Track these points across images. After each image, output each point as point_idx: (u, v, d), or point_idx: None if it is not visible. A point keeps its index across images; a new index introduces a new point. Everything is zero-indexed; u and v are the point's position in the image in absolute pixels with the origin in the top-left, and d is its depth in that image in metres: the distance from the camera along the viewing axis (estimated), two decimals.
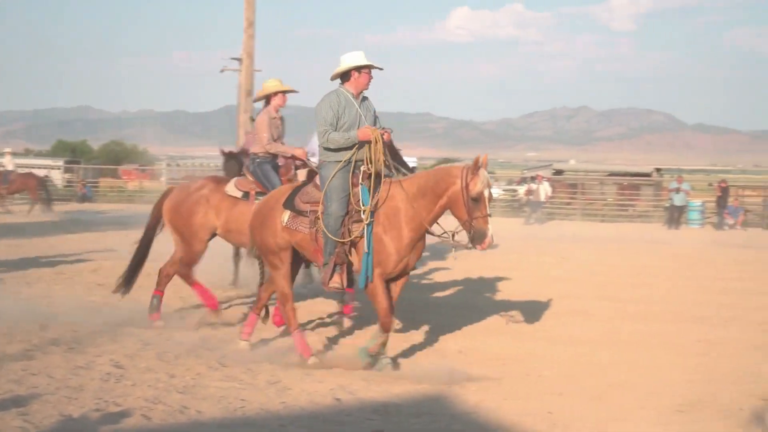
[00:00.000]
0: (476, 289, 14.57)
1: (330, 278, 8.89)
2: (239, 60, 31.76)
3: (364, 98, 9.11)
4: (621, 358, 9.66)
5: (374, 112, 9.16)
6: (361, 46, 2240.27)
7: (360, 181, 8.84)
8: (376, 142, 8.76)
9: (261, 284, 9.89)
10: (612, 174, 48.15)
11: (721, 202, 36.78)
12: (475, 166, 8.52)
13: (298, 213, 9.11)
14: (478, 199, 8.51)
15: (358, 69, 8.95)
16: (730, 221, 36.36)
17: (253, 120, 14.48)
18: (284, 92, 11.21)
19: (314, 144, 13.76)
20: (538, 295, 13.56)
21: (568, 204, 42.51)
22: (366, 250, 8.70)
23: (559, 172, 47.43)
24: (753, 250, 24.22)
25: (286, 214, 9.18)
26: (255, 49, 31.50)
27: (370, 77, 9.05)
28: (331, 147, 8.83)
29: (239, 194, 11.13)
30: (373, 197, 8.79)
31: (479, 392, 8.02)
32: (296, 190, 9.29)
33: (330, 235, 8.78)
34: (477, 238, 8.53)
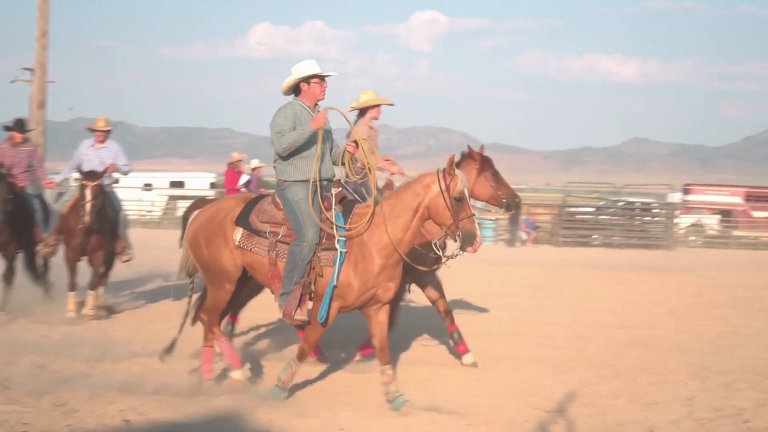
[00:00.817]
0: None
1: (296, 310, 8.23)
2: (31, 70, 30.65)
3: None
4: (411, 375, 9.74)
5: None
6: (158, 58, 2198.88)
7: (333, 204, 8.37)
8: (365, 149, 8.47)
9: (187, 314, 9.28)
10: None
11: (514, 220, 38.02)
12: (450, 167, 8.20)
13: (254, 233, 8.48)
14: (461, 199, 8.17)
15: (306, 80, 8.54)
16: (524, 236, 37.75)
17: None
18: (379, 105, 10.55)
19: (77, 159, 13.38)
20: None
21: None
22: (334, 281, 8.17)
23: None
24: (540, 267, 25.04)
25: (239, 232, 8.52)
26: (48, 59, 30.52)
27: (323, 85, 8.60)
28: (285, 146, 8.25)
29: None
30: (347, 222, 8.33)
31: (272, 410, 7.97)
32: (249, 206, 8.60)
33: (302, 264, 8.18)
34: (467, 240, 8.12)
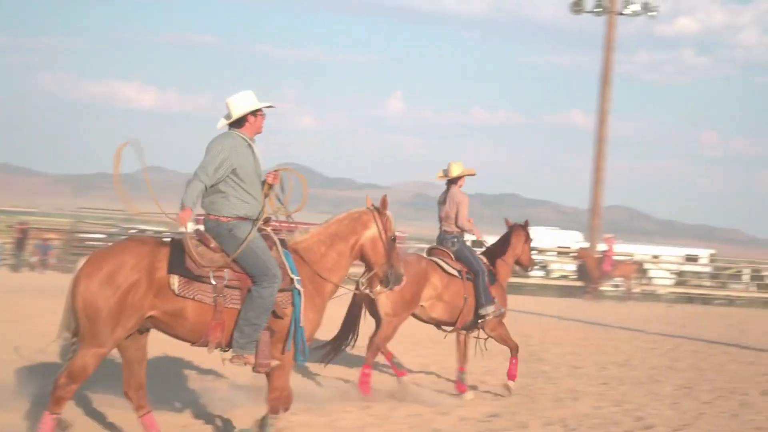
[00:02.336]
0: None
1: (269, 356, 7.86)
2: None
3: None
4: None
5: None
6: None
7: (277, 242, 8.09)
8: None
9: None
10: None
11: (20, 243, 36.56)
12: (384, 207, 8.48)
13: (195, 279, 7.64)
14: (394, 239, 8.43)
15: (254, 112, 8.00)
16: (35, 258, 36.35)
17: None
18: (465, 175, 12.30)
19: None
20: None
21: None
22: (301, 323, 7.90)
23: None
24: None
25: (175, 279, 7.58)
26: None
27: (264, 118, 8.13)
28: (184, 196, 7.72)
29: (455, 272, 11.73)
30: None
31: None
32: (176, 250, 7.71)
33: (270, 307, 7.75)
34: (397, 278, 8.48)
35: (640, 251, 48.95)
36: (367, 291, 8.95)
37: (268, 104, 8.19)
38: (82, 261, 7.80)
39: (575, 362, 15.45)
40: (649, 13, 38.16)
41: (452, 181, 12.30)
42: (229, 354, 7.91)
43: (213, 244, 7.85)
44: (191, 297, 7.67)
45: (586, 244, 39.58)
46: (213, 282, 7.73)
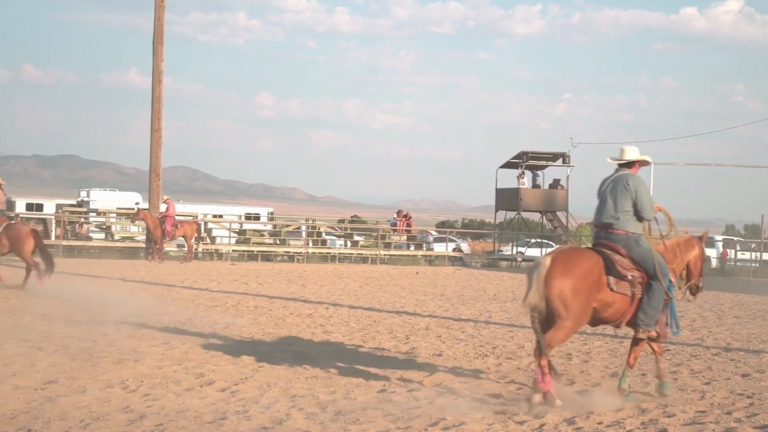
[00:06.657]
0: None
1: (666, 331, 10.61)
2: None
3: None
4: None
5: None
6: None
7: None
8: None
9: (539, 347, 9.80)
10: None
11: None
12: (705, 237, 11.38)
13: (620, 278, 10.00)
14: (706, 262, 11.37)
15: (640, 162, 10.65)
16: None
17: None
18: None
19: None
20: None
21: None
22: (676, 308, 10.77)
23: None
24: None
25: (611, 279, 9.98)
26: None
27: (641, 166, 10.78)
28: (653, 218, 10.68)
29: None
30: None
31: None
32: (607, 258, 10.02)
33: (663, 296, 10.27)
34: (700, 290, 11.30)
35: (203, 211, 49.79)
36: (686, 296, 11.34)
37: (649, 159, 10.63)
38: (547, 259, 9.83)
39: (139, 322, 15.27)
40: None
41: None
42: (637, 331, 10.36)
43: (622, 251, 10.16)
44: (621, 292, 10.05)
45: (146, 205, 39.37)
46: (629, 280, 10.08)
